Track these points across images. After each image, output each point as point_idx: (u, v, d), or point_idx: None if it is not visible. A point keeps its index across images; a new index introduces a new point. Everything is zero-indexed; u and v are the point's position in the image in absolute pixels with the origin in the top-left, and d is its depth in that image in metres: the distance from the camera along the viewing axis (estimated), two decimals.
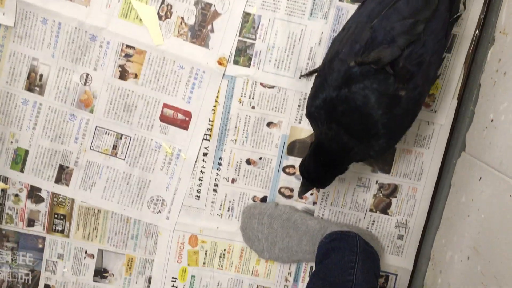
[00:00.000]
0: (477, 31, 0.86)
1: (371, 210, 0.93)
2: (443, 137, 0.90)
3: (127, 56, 0.88)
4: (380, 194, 0.93)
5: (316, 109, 0.73)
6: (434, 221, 0.92)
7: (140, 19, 0.86)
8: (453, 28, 0.85)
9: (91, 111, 0.90)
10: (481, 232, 0.74)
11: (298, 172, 0.92)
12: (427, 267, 0.92)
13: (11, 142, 0.91)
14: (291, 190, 0.93)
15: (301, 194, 0.80)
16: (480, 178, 0.77)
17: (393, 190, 0.93)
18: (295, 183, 0.93)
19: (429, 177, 0.92)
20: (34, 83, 0.89)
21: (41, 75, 0.89)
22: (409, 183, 0.92)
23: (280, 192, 0.94)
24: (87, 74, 0.89)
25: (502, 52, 0.78)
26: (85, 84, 0.89)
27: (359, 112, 0.69)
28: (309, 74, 0.88)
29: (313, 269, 0.94)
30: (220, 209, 0.94)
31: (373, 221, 0.94)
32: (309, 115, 0.76)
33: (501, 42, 0.79)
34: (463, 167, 0.84)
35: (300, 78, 0.89)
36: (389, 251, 0.95)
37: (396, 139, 0.77)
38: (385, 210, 0.93)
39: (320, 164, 0.75)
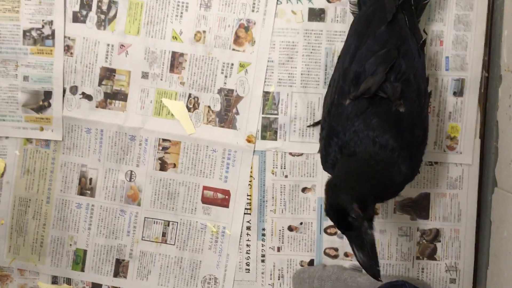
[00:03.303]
0: (484, 71, 0.90)
1: (418, 258, 0.94)
2: (474, 176, 0.92)
3: (164, 148, 0.96)
4: (424, 241, 0.94)
5: (333, 160, 0.77)
6: (483, 260, 0.92)
7: (172, 114, 0.95)
8: (460, 73, 0.90)
9: (139, 204, 0.97)
10: None
11: (340, 232, 0.95)
12: None
13: (70, 244, 0.98)
14: (336, 249, 0.96)
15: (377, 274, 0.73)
16: None
17: (436, 235, 0.94)
18: (338, 242, 0.96)
19: (468, 216, 0.93)
20: (85, 187, 0.97)
21: (91, 179, 0.97)
22: (450, 226, 0.94)
23: (325, 253, 0.96)
24: (131, 171, 0.97)
25: (511, 88, 0.82)
26: (130, 180, 0.97)
27: (372, 143, 0.72)
28: (316, 124, 0.93)
29: None
30: (270, 279, 0.97)
31: (422, 268, 0.94)
32: (326, 167, 0.80)
33: (508, 79, 0.83)
34: (498, 202, 0.86)
35: (307, 127, 0.94)
36: None
37: (417, 161, 0.78)
38: (431, 255, 0.94)
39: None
